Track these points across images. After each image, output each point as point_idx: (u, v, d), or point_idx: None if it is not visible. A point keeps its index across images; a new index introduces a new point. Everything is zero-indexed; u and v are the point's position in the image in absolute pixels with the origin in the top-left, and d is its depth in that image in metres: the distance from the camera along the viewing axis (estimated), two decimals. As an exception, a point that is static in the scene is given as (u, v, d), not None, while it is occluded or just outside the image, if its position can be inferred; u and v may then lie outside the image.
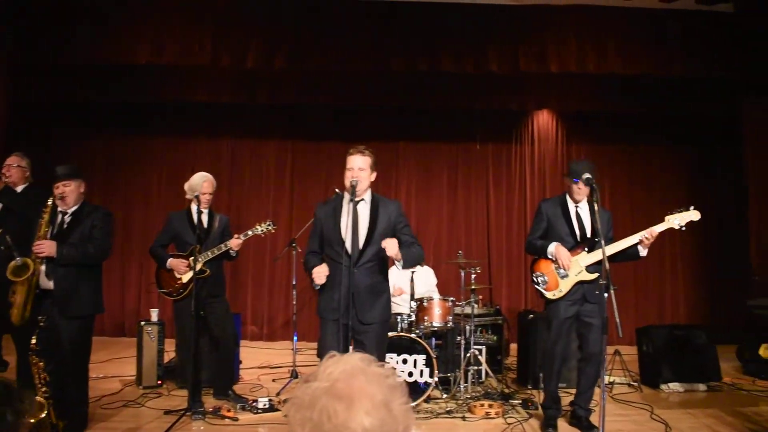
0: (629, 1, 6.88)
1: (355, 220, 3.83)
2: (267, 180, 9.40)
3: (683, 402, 5.77)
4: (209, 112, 9.13)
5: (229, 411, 5.04)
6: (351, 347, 3.84)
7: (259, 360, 7.30)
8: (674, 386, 6.14)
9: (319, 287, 3.89)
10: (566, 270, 4.59)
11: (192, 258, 5.09)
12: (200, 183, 5.23)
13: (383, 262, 4.02)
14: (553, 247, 4.62)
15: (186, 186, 5.28)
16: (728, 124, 8.04)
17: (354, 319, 3.82)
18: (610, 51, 7.19)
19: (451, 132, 9.45)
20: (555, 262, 4.65)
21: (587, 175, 4.33)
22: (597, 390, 4.68)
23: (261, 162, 9.43)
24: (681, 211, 4.53)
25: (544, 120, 9.61)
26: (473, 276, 5.99)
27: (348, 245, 3.85)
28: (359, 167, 3.88)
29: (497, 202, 9.50)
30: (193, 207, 5.28)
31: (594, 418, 4.73)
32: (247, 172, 9.40)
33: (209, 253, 5.15)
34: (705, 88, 8.39)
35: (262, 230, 5.16)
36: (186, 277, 5.17)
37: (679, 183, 9.64)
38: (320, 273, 3.83)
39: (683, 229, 4.54)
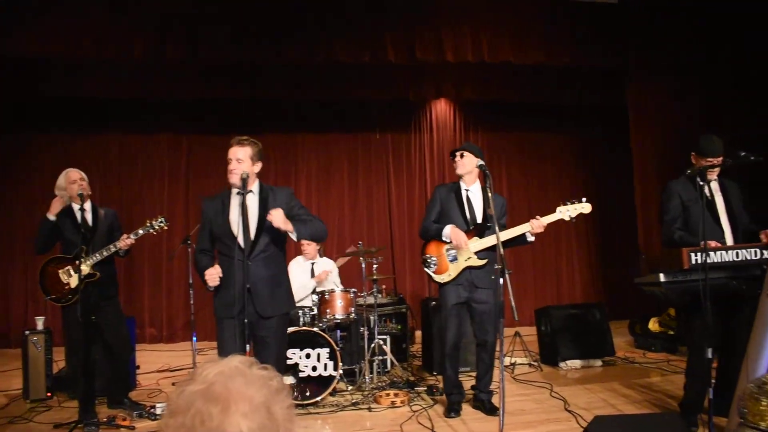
0: (520, -9, 7.04)
1: (244, 212, 3.68)
2: (161, 175, 9.08)
3: (581, 378, 5.97)
4: (97, 107, 8.67)
5: (125, 420, 4.78)
6: (250, 345, 3.69)
7: (159, 363, 7.03)
8: (572, 363, 6.35)
9: (213, 289, 3.74)
10: (462, 252, 4.62)
11: (78, 261, 4.77)
12: (63, 178, 4.89)
13: (280, 252, 3.90)
14: (449, 230, 4.64)
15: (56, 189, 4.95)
16: (616, 111, 8.39)
17: (253, 314, 3.68)
18: (504, 41, 7.34)
19: (350, 122, 9.43)
20: (449, 244, 4.67)
21: (480, 162, 4.36)
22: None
23: (154, 156, 9.08)
24: (572, 203, 4.55)
25: (442, 109, 9.75)
26: (375, 266, 5.95)
27: (240, 239, 3.70)
28: (237, 158, 3.75)
29: (398, 191, 9.58)
30: (75, 206, 4.94)
31: (496, 400, 4.80)
32: (139, 167, 9.01)
33: (97, 255, 4.83)
34: (594, 77, 8.75)
35: (153, 228, 4.88)
36: (74, 281, 4.83)
37: (573, 168, 10.07)
38: (213, 275, 3.70)
39: (573, 220, 4.59)
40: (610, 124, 9.29)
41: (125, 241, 4.83)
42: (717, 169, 4.07)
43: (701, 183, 4.00)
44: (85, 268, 4.75)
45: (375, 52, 7.14)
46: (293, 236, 3.76)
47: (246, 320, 3.57)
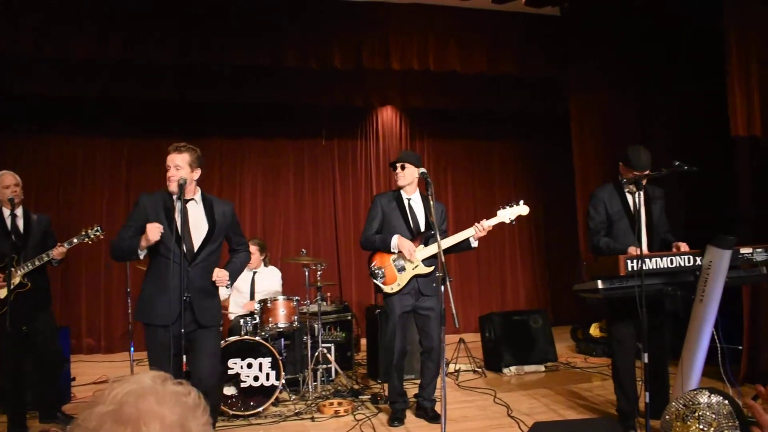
0: (466, 1, 7.08)
1: (184, 218, 3.60)
2: (101, 180, 8.81)
3: (524, 384, 6.03)
4: (36, 108, 8.36)
5: (57, 435, 4.61)
6: (185, 356, 3.57)
7: (96, 375, 6.78)
8: (515, 369, 6.42)
9: (147, 244, 3.58)
10: (411, 261, 4.61)
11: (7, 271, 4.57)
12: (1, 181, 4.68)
13: (216, 263, 3.84)
14: (396, 240, 4.63)
15: None
16: (560, 120, 8.55)
17: (191, 323, 3.59)
18: (450, 49, 7.39)
19: (296, 128, 9.37)
20: (396, 254, 4.66)
21: (422, 170, 4.37)
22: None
23: (95, 160, 8.82)
24: (511, 206, 4.65)
25: (388, 116, 9.78)
26: (319, 273, 5.90)
27: (183, 245, 3.62)
28: (176, 165, 3.67)
29: (344, 197, 9.57)
30: (5, 211, 4.73)
31: (439, 407, 4.80)
32: (78, 170, 8.74)
33: (29, 264, 4.64)
34: (539, 87, 8.92)
35: (89, 236, 4.71)
36: (3, 292, 4.62)
37: (519, 176, 10.24)
38: (155, 227, 3.55)
39: (513, 223, 4.68)
40: (555, 132, 9.46)
41: (58, 250, 4.66)
42: (644, 180, 4.17)
43: (636, 190, 4.10)
44: (16, 279, 4.56)
45: (322, 57, 7.09)
46: (227, 289, 3.97)
47: (183, 330, 3.46)
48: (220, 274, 3.75)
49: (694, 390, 3.36)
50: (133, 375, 1.13)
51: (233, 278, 3.93)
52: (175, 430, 1.05)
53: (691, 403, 3.13)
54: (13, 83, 7.59)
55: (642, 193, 4.22)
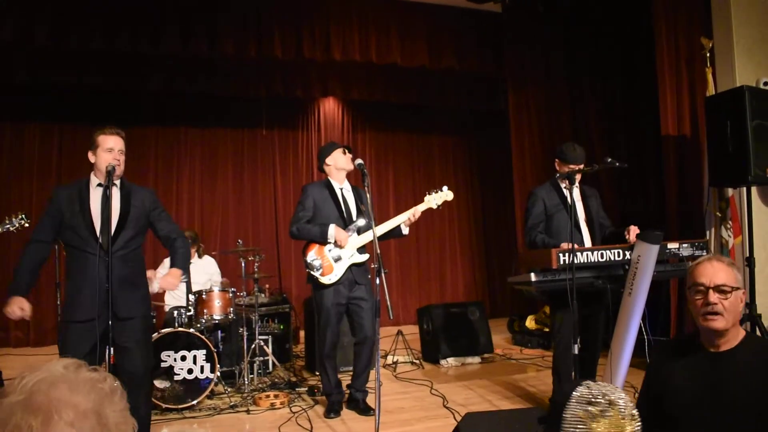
0: (410, -6, 7.13)
1: (108, 205, 3.46)
2: (29, 166, 8.47)
3: (459, 375, 6.10)
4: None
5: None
6: (109, 351, 3.43)
7: (24, 368, 6.53)
8: (452, 361, 6.49)
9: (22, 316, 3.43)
10: (346, 251, 4.61)
11: None
12: None
13: (137, 251, 3.70)
14: (333, 229, 4.60)
15: None
16: (500, 116, 8.68)
17: (111, 316, 3.36)
18: (392, 42, 7.41)
19: (236, 118, 9.23)
20: (331, 244, 4.64)
21: (359, 161, 4.35)
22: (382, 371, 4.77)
23: (24, 146, 8.49)
24: (437, 192, 4.77)
25: (330, 107, 9.73)
26: (257, 264, 5.82)
27: (98, 235, 3.48)
28: (119, 149, 3.55)
29: (284, 189, 9.50)
30: None
31: (371, 399, 4.83)
32: (4, 156, 8.39)
33: None
34: (479, 82, 9.03)
35: (13, 225, 4.53)
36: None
37: (459, 169, 10.37)
38: (15, 309, 3.41)
39: (440, 207, 4.80)
40: (494, 127, 9.61)
41: None
42: (578, 176, 4.28)
43: (570, 185, 4.20)
44: None
45: (261, 46, 6.99)
46: (182, 280, 3.77)
47: (110, 322, 3.32)
48: (164, 283, 3.66)
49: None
50: (45, 363, 1.09)
51: (186, 268, 3.84)
52: (90, 417, 1.03)
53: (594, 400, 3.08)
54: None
55: (577, 188, 4.34)
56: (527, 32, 7.72)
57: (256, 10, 6.93)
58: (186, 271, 3.82)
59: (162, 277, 3.71)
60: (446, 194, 4.79)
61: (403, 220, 4.66)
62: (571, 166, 4.26)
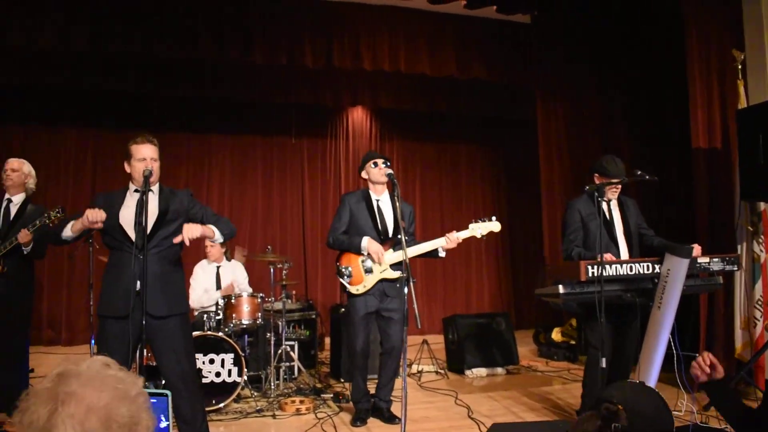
0: (437, 5, 7.13)
1: (144, 208, 3.51)
2: (66, 170, 8.68)
3: (485, 386, 6.10)
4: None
5: (13, 426, 4.51)
6: (144, 349, 3.49)
7: (55, 367, 6.66)
8: (477, 371, 6.48)
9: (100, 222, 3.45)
10: (378, 264, 4.62)
11: None
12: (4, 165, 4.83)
13: (175, 250, 3.71)
14: (366, 242, 4.62)
15: None
16: (529, 125, 8.66)
17: (145, 313, 3.39)
18: (421, 52, 7.44)
19: (265, 125, 9.34)
20: (364, 255, 4.66)
21: (389, 171, 4.37)
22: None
23: (59, 151, 8.70)
24: (484, 221, 4.65)
25: (358, 116, 9.81)
26: (285, 271, 5.88)
27: (132, 234, 3.52)
28: (152, 157, 3.62)
29: (312, 197, 9.58)
30: (7, 196, 4.85)
31: (396, 408, 4.85)
32: (42, 161, 8.56)
33: (1, 248, 4.62)
34: (508, 92, 9.03)
35: (50, 218, 4.63)
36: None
37: (486, 179, 10.35)
38: (94, 211, 3.41)
39: (484, 237, 4.69)
40: (522, 137, 9.58)
41: (23, 233, 4.60)
42: (618, 188, 4.25)
43: (599, 199, 4.15)
44: None
45: (292, 54, 7.07)
46: (217, 239, 3.72)
47: (144, 321, 3.37)
48: (186, 230, 3.49)
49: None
50: (79, 358, 1.16)
51: (223, 233, 3.74)
52: (96, 413, 1.06)
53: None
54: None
55: (615, 201, 4.32)
56: (556, 42, 7.71)
57: (287, 20, 7.01)
58: (221, 236, 3.73)
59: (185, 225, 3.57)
60: (493, 225, 4.66)
61: (441, 244, 4.60)
62: (612, 181, 4.21)
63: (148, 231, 3.52)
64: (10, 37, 6.31)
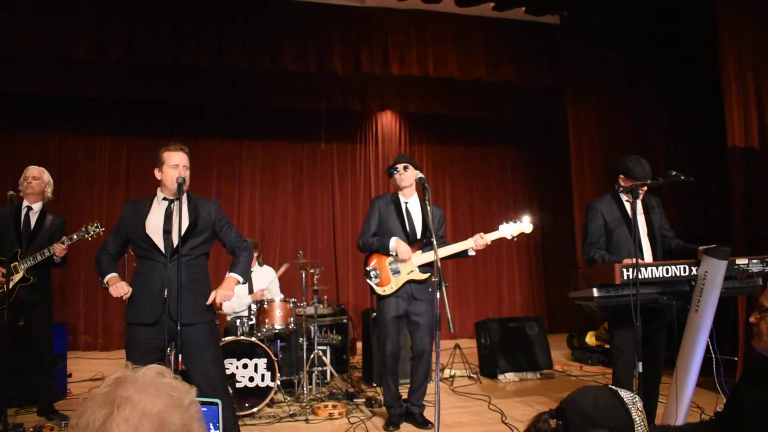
0: (466, 8, 7.11)
1: (177, 216, 3.57)
2: (101, 179, 8.85)
3: (518, 391, 6.04)
4: (35, 106, 8.37)
5: (52, 429, 4.60)
6: (172, 354, 3.53)
7: (92, 371, 6.80)
8: (510, 376, 6.43)
9: (126, 296, 3.60)
10: (407, 265, 4.62)
11: (14, 264, 4.66)
12: (24, 173, 4.90)
13: (201, 258, 3.78)
14: (394, 242, 4.64)
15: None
16: (559, 127, 8.59)
17: (169, 320, 3.50)
18: (449, 56, 7.42)
19: (295, 131, 9.42)
20: (392, 257, 4.67)
21: (420, 175, 4.36)
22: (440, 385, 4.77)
23: (94, 159, 8.86)
24: (515, 222, 4.59)
25: (387, 121, 9.82)
26: (316, 276, 5.90)
27: (161, 243, 3.59)
28: (184, 165, 3.67)
29: (342, 201, 9.61)
30: (25, 204, 4.90)
31: (428, 413, 4.83)
32: (78, 170, 8.77)
33: (31, 259, 4.70)
34: (537, 94, 8.96)
35: (89, 233, 4.72)
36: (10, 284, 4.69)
37: (515, 183, 10.28)
38: (119, 288, 3.57)
39: (515, 239, 4.64)
40: (552, 139, 9.50)
41: (59, 246, 4.70)
42: (644, 190, 4.16)
43: (633, 199, 4.05)
44: (18, 274, 4.65)
45: (321, 60, 7.12)
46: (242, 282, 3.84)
47: (178, 328, 3.42)
48: (219, 296, 3.66)
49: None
50: (139, 365, 1.18)
51: (245, 276, 3.85)
52: (150, 419, 1.08)
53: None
54: (11, 80, 7.62)
55: (639, 201, 4.21)
56: (586, 43, 7.62)
57: (316, 26, 7.06)
58: (244, 280, 3.84)
59: (217, 289, 3.69)
60: (525, 226, 4.58)
61: (470, 246, 4.58)
62: (639, 183, 4.09)
63: (176, 242, 3.57)
64: (45, 47, 6.45)
